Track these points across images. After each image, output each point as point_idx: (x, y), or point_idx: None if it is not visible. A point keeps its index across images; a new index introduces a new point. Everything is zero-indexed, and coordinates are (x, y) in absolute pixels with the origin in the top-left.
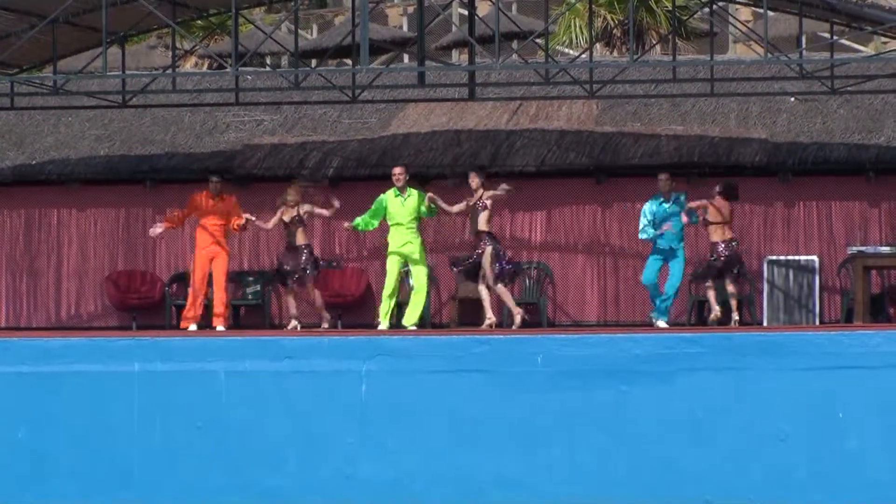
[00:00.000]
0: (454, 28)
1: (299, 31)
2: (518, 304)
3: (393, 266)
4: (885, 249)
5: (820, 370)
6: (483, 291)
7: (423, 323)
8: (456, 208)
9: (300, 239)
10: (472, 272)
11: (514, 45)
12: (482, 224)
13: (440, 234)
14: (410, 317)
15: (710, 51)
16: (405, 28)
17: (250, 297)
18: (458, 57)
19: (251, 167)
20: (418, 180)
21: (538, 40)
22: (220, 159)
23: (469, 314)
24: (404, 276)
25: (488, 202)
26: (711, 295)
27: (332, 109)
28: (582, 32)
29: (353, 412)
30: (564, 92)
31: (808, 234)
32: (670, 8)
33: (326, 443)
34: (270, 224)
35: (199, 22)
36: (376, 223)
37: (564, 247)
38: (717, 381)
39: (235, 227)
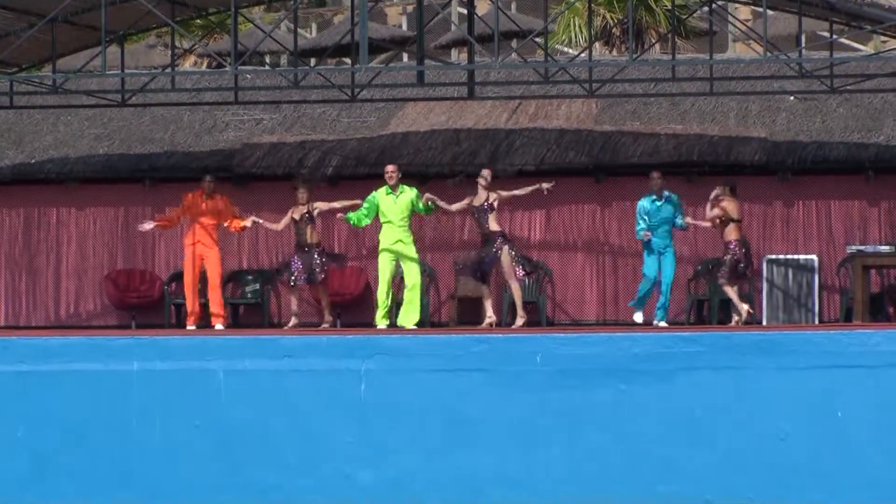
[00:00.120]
0: (453, 27)
1: (298, 30)
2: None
3: (385, 264)
4: (885, 248)
5: (819, 369)
6: (485, 290)
7: (423, 322)
8: (456, 207)
9: (311, 238)
10: (483, 274)
11: (514, 44)
12: (493, 224)
13: (438, 231)
14: (409, 317)
15: (709, 50)
16: (404, 27)
17: (249, 295)
18: (458, 56)
19: (250, 166)
20: (418, 179)
21: (537, 39)
22: (219, 158)
23: (468, 313)
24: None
25: (495, 203)
26: (734, 295)
27: (331, 108)
28: (581, 31)
29: (352, 411)
30: (564, 91)
31: (807, 234)
32: (669, 7)
33: (325, 442)
34: (281, 225)
35: (199, 21)
36: (368, 221)
37: (563, 246)
38: (717, 380)
39: (238, 228)
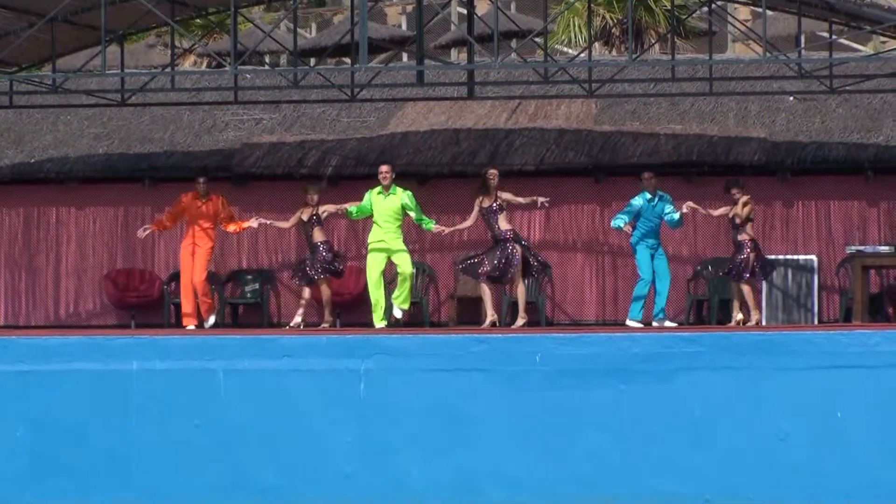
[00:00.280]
0: (453, 27)
1: (298, 30)
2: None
3: (372, 263)
4: (884, 249)
5: (819, 370)
6: (485, 289)
7: (422, 322)
8: (465, 225)
9: (318, 236)
10: (500, 275)
11: (513, 43)
12: (504, 223)
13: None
14: (399, 300)
15: (708, 50)
16: (404, 27)
17: (249, 295)
18: (457, 56)
19: (250, 166)
20: (417, 179)
21: (537, 39)
22: (219, 158)
23: (468, 313)
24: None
25: (504, 203)
26: (751, 297)
27: (330, 108)
28: (581, 31)
29: (352, 411)
30: (563, 91)
31: (806, 234)
32: (669, 7)
33: (325, 441)
34: (289, 223)
35: (198, 20)
36: (363, 216)
37: (563, 246)
38: (716, 380)
39: (235, 230)
